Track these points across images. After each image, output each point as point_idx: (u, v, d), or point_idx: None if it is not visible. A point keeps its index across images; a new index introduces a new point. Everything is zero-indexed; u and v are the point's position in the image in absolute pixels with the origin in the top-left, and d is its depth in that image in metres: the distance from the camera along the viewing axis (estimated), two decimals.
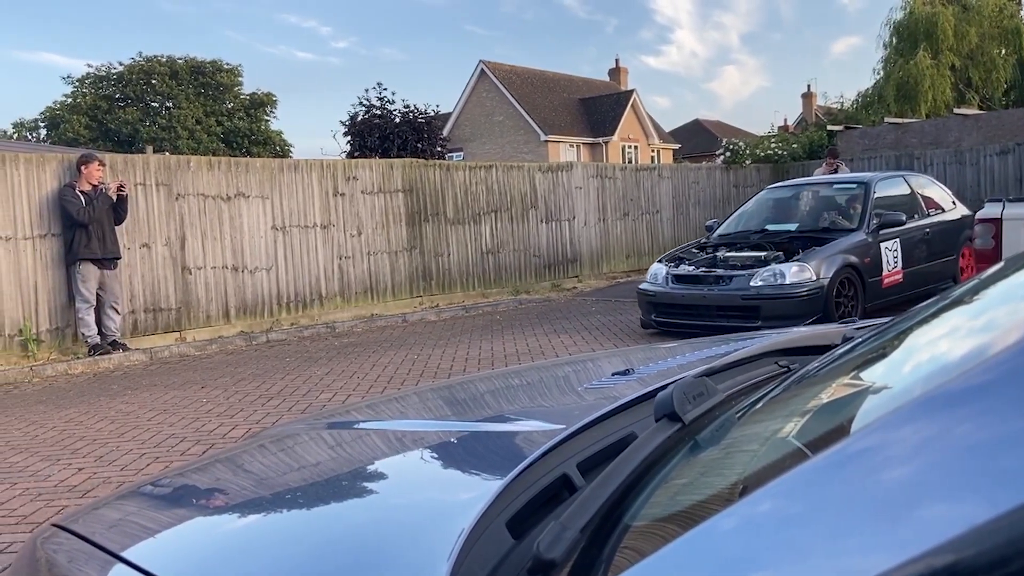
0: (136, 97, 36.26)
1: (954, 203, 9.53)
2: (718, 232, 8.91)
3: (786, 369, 1.51)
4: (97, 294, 8.15)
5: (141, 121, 35.50)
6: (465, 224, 12.25)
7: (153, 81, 36.29)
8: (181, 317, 9.22)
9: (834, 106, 28.85)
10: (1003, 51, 24.21)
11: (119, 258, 8.38)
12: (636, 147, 34.45)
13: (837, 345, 1.45)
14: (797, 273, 7.21)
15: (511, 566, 0.92)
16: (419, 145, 19.50)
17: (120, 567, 1.09)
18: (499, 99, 32.84)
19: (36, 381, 7.48)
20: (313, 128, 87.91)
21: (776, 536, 0.62)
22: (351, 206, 10.88)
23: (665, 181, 15.78)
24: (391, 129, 19.66)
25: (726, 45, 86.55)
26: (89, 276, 8.06)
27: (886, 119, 18.66)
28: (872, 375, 1.00)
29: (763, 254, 7.69)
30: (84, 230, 7.99)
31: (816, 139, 18.70)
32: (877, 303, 7.76)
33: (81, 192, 8.01)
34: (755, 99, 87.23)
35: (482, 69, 33.47)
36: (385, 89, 22.66)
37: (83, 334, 8.12)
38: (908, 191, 8.96)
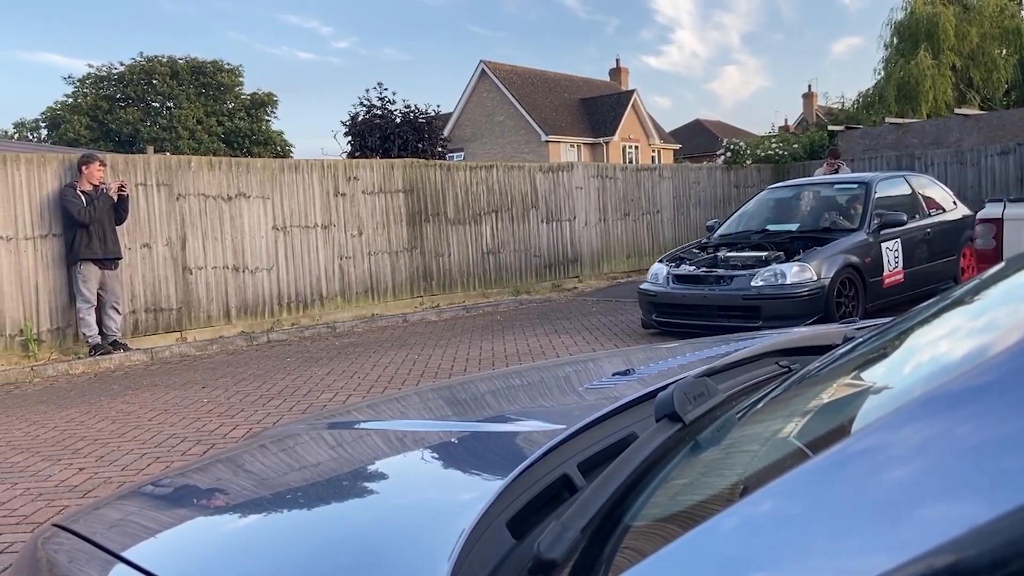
0: (137, 97, 36.29)
1: (955, 203, 9.52)
2: (719, 232, 8.90)
3: (787, 369, 1.51)
4: (98, 294, 8.15)
5: (142, 121, 35.52)
6: (466, 224, 12.25)
7: (154, 81, 36.31)
8: (182, 317, 9.23)
9: (835, 106, 28.85)
10: (1004, 51, 24.19)
11: (120, 258, 8.39)
12: (637, 147, 34.45)
13: (838, 345, 1.45)
14: (798, 273, 7.21)
15: (512, 566, 0.92)
16: (420, 145, 19.51)
17: (121, 567, 1.09)
18: (500, 99, 32.84)
19: (37, 381, 7.48)
20: (314, 128, 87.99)
21: (777, 536, 0.62)
22: (352, 206, 10.88)
23: (666, 181, 15.78)
24: (392, 129, 19.66)
25: (727, 45, 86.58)
26: (90, 276, 8.07)
27: (887, 119, 18.65)
28: (873, 375, 1.00)
29: (764, 254, 7.69)
30: (85, 230, 8.00)
31: (817, 139, 18.70)
32: (878, 303, 7.76)
33: (82, 192, 8.01)
34: (756, 99, 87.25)
35: (483, 69, 33.47)
36: (386, 89, 22.72)
37: (84, 334, 8.13)
38: (909, 191, 8.96)
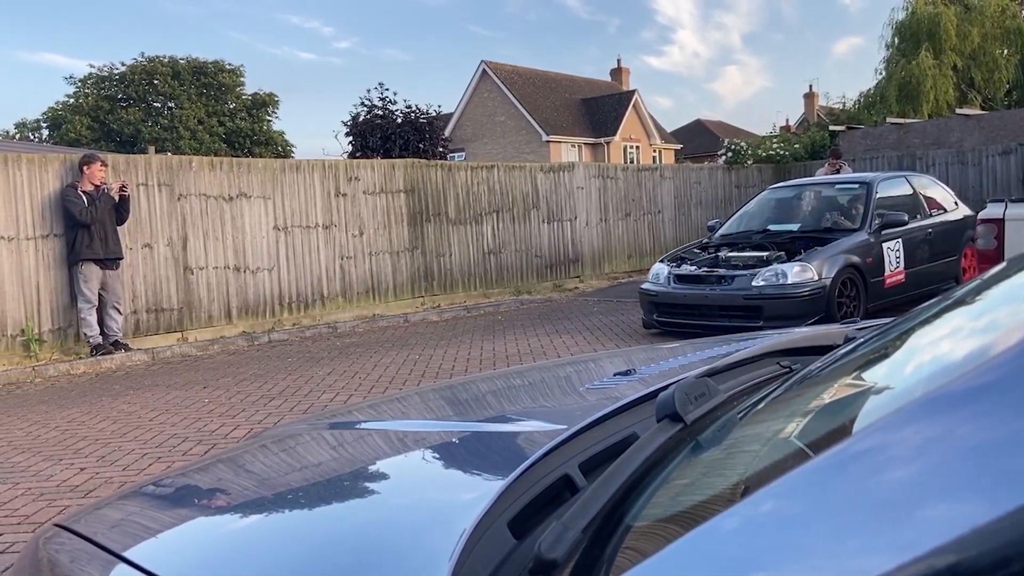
0: (138, 97, 36.31)
1: (956, 203, 9.52)
2: (720, 232, 8.90)
3: (788, 369, 1.51)
4: (99, 294, 8.15)
5: (143, 121, 35.55)
6: (467, 224, 12.25)
7: (155, 81, 36.34)
8: (183, 317, 9.23)
9: (836, 106, 28.84)
10: (1005, 51, 24.17)
11: (121, 258, 8.39)
12: (638, 147, 34.45)
13: (839, 345, 1.45)
14: (799, 273, 7.20)
15: (513, 566, 0.92)
16: (421, 145, 19.49)
17: (122, 567, 1.09)
18: (501, 99, 32.85)
19: (38, 381, 7.49)
20: (315, 128, 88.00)
21: (778, 536, 0.62)
22: (353, 206, 10.89)
23: (667, 181, 15.78)
24: (393, 129, 19.65)
25: (728, 45, 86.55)
26: (91, 276, 8.07)
27: (888, 119, 18.65)
28: (874, 376, 1.00)
29: (765, 254, 7.69)
30: (86, 230, 8.00)
31: (818, 139, 18.69)
32: (879, 303, 7.76)
33: (83, 192, 8.01)
34: (757, 99, 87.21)
35: (484, 69, 33.48)
36: (387, 89, 22.64)
37: (85, 334, 8.13)
38: (910, 191, 8.95)
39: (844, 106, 27.32)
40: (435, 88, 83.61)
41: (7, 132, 37.46)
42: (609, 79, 39.46)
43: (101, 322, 8.21)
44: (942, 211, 9.14)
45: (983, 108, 21.84)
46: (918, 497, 0.56)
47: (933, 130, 16.35)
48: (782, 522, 0.64)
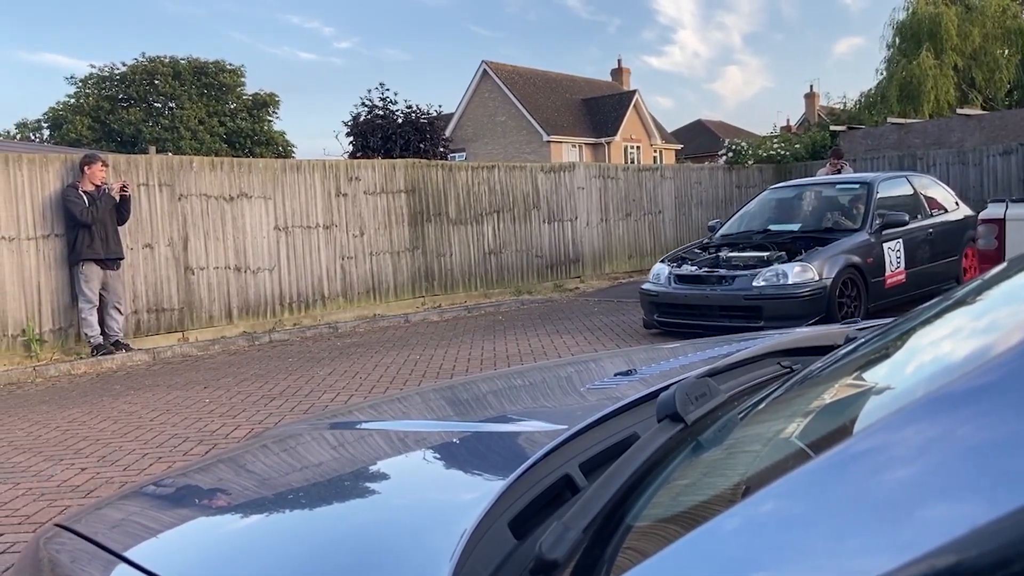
0: (139, 98, 36.32)
1: (957, 203, 9.52)
2: (721, 232, 8.90)
3: (789, 370, 1.51)
4: (100, 294, 8.16)
5: (144, 122, 35.56)
6: (467, 224, 12.25)
7: (156, 81, 36.35)
8: (184, 317, 9.23)
9: (837, 106, 28.80)
10: (1006, 51, 24.15)
11: (122, 258, 8.39)
12: (638, 147, 34.44)
13: (840, 346, 1.45)
14: (800, 273, 7.20)
15: (513, 566, 0.92)
16: (421, 145, 19.49)
17: (123, 567, 1.09)
18: (501, 99, 32.85)
19: (39, 381, 7.49)
20: (316, 128, 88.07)
21: (778, 537, 0.62)
22: (353, 206, 10.89)
23: (667, 181, 15.78)
24: (393, 129, 19.65)
25: (729, 45, 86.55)
26: (92, 276, 8.07)
27: (889, 119, 18.64)
28: (875, 376, 1.00)
29: (766, 254, 7.69)
30: (87, 230, 8.01)
31: (819, 139, 18.68)
32: (880, 303, 7.75)
33: (84, 192, 8.02)
34: (758, 99, 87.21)
35: (484, 69, 33.48)
36: (388, 89, 22.65)
37: (86, 334, 8.13)
38: (911, 191, 8.95)
39: (845, 106, 27.29)
40: (436, 88, 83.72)
41: (8, 132, 37.49)
42: (610, 79, 39.46)
43: (102, 322, 8.22)
44: (943, 211, 9.14)
45: (984, 108, 21.82)
46: (919, 497, 0.56)
47: (934, 130, 16.34)
48: (783, 522, 0.64)
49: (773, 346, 1.59)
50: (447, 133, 25.49)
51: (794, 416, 1.02)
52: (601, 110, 34.50)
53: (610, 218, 14.52)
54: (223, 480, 1.44)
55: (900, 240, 8.08)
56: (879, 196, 8.28)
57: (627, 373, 1.86)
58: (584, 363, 2.20)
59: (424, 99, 56.53)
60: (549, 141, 31.39)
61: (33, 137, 37.12)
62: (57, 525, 1.31)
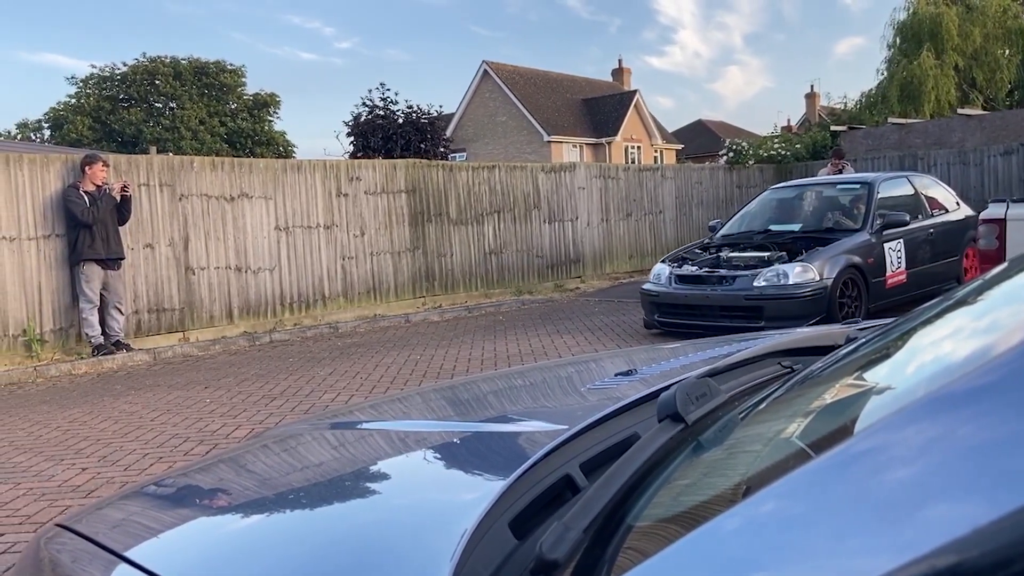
0: (140, 98, 36.34)
1: (958, 203, 9.51)
2: (721, 232, 8.90)
3: (789, 370, 1.51)
4: (101, 294, 8.16)
5: (145, 122, 35.58)
6: (468, 224, 12.25)
7: (157, 82, 36.37)
8: (184, 317, 9.24)
9: (837, 106, 28.79)
10: (1007, 51, 24.14)
11: (123, 258, 8.40)
12: (639, 147, 34.44)
13: (840, 346, 1.45)
14: (800, 273, 7.20)
15: (514, 566, 0.92)
16: (422, 146, 19.49)
17: (123, 567, 1.09)
18: (502, 99, 32.85)
19: (40, 381, 7.49)
20: (316, 129, 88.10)
21: (779, 537, 0.62)
22: (354, 206, 10.89)
23: (668, 181, 15.78)
24: (394, 130, 19.65)
25: (729, 45, 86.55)
26: (93, 276, 8.08)
27: (890, 119, 18.64)
28: (875, 376, 1.00)
29: (766, 254, 7.68)
30: (88, 231, 8.01)
31: (819, 139, 18.67)
32: (881, 304, 7.75)
33: (85, 193, 8.02)
34: (758, 99, 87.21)
35: (485, 69, 33.48)
36: (388, 89, 22.67)
37: (87, 334, 8.14)
38: (912, 191, 8.95)
39: (846, 106, 27.28)
40: (436, 88, 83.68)
41: (9, 132, 37.51)
42: (610, 79, 39.46)
43: (103, 322, 8.22)
44: (944, 211, 9.14)
45: (985, 108, 21.82)
46: (919, 497, 0.56)
47: (935, 130, 16.34)
48: (783, 522, 0.64)
49: (774, 346, 1.59)
50: (448, 133, 25.49)
51: (795, 416, 1.02)
52: (602, 110, 34.50)
53: (611, 218, 14.52)
54: (224, 480, 1.44)
55: (901, 240, 8.08)
56: (880, 196, 8.28)
57: (628, 373, 1.86)
58: (585, 363, 2.20)
59: (425, 99, 56.53)
60: (550, 141, 31.39)
61: (34, 137, 37.14)
62: (58, 525, 1.31)
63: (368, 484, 1.36)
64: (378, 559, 1.01)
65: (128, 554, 1.12)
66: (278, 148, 38.04)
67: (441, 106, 21.70)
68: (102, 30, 66.97)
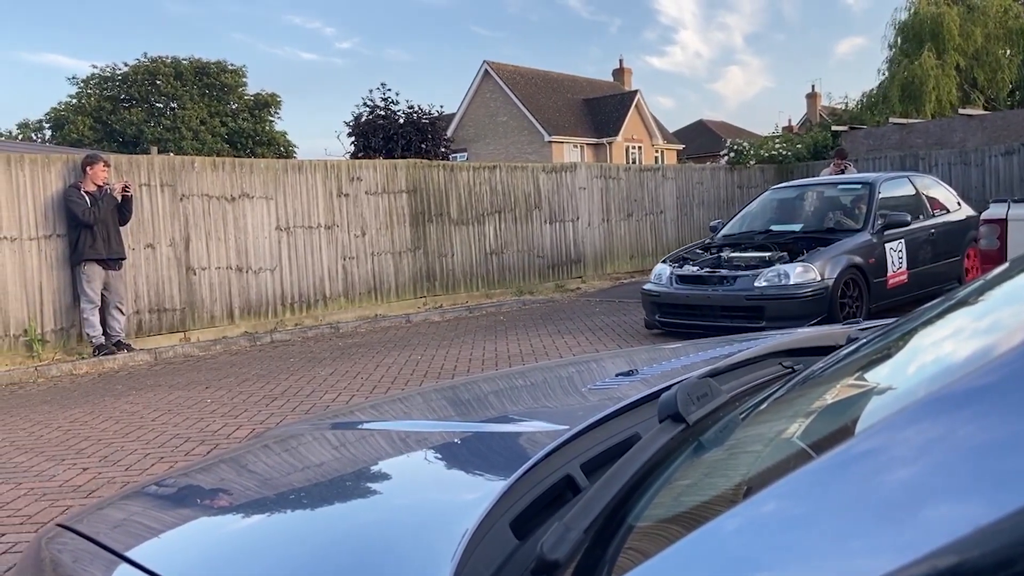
0: (141, 98, 36.36)
1: (959, 204, 9.51)
2: (722, 232, 8.90)
3: (790, 370, 1.51)
4: (102, 294, 8.17)
5: (145, 122, 35.59)
6: (469, 225, 12.25)
7: (158, 82, 36.39)
8: (185, 317, 9.24)
9: (838, 106, 28.76)
10: (1008, 51, 24.13)
11: (124, 259, 8.40)
12: (640, 148, 34.44)
13: (842, 346, 1.44)
14: (801, 274, 7.20)
15: (515, 567, 0.92)
16: (423, 146, 19.50)
17: (124, 567, 1.09)
18: (503, 100, 32.85)
19: (41, 381, 7.50)
20: (317, 129, 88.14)
21: (780, 537, 0.62)
22: (355, 207, 10.89)
23: (669, 182, 15.77)
24: (395, 130, 19.66)
25: (730, 46, 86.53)
26: (94, 276, 8.08)
27: (891, 119, 18.62)
28: (876, 376, 1.00)
29: (767, 255, 7.68)
30: (89, 231, 8.01)
31: (820, 139, 18.67)
32: (882, 304, 7.75)
33: (86, 193, 8.03)
34: (759, 99, 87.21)
35: (486, 70, 33.49)
36: (389, 90, 22.72)
37: (88, 334, 8.14)
38: (913, 192, 8.94)
39: (847, 106, 27.25)
40: (437, 88, 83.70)
41: (10, 132, 37.53)
42: (611, 79, 39.47)
43: (104, 322, 8.22)
44: (945, 211, 9.13)
45: (986, 108, 21.80)
46: (920, 498, 0.56)
47: (936, 130, 16.33)
48: (784, 523, 0.64)
49: (775, 346, 1.59)
50: (448, 133, 25.50)
51: (796, 416, 1.02)
52: (602, 110, 34.51)
53: (611, 218, 14.52)
54: (225, 480, 1.44)
55: (902, 240, 8.07)
56: (881, 196, 8.28)
57: (628, 373, 1.86)
58: (585, 363, 2.20)
59: (426, 99, 56.54)
60: (551, 141, 31.39)
61: (35, 137, 37.17)
62: (59, 525, 1.31)
63: (369, 484, 1.36)
64: (379, 559, 1.01)
65: (129, 554, 1.12)
66: (279, 148, 38.05)
67: (442, 106, 21.74)
68: (103, 30, 67.06)
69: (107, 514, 1.35)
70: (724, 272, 7.59)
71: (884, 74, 24.92)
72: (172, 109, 36.81)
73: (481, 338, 8.70)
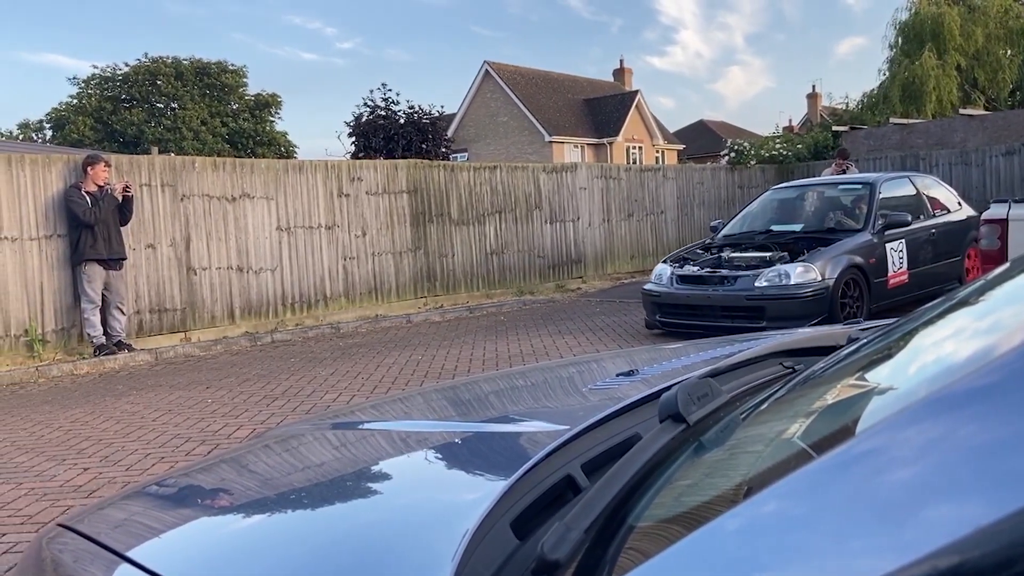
0: (141, 98, 36.37)
1: (960, 204, 9.51)
2: (723, 233, 8.90)
3: (791, 370, 1.51)
4: (102, 295, 8.17)
5: (146, 122, 35.61)
6: (469, 225, 12.25)
7: (158, 82, 36.40)
8: (186, 318, 9.24)
9: (839, 106, 28.74)
10: (1009, 51, 24.12)
11: (124, 259, 8.40)
12: (640, 148, 34.44)
13: (842, 346, 1.44)
14: (802, 274, 7.20)
15: (515, 567, 0.92)
16: (424, 146, 19.49)
17: (125, 567, 1.09)
18: (504, 100, 32.86)
19: (42, 381, 7.50)
20: (318, 129, 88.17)
21: (780, 537, 0.62)
22: (356, 207, 10.90)
23: (669, 182, 15.77)
24: (395, 130, 19.66)
25: (731, 46, 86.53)
26: (95, 277, 8.08)
27: (891, 119, 18.62)
28: (877, 376, 1.00)
29: (768, 255, 7.68)
30: (90, 231, 8.02)
31: (821, 140, 18.66)
32: (882, 304, 7.75)
33: (87, 193, 8.03)
34: (760, 100, 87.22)
35: (487, 70, 33.49)
36: (390, 90, 22.71)
37: (89, 334, 8.15)
38: (914, 192, 8.94)
39: (847, 106, 27.23)
40: (438, 89, 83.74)
41: (10, 133, 37.56)
42: (612, 79, 39.48)
43: (104, 322, 8.23)
44: (945, 212, 9.13)
45: (987, 108, 21.79)
46: (921, 498, 0.56)
47: (936, 130, 16.33)
48: (785, 523, 0.63)
49: (775, 346, 1.59)
50: (449, 133, 25.49)
51: (796, 417, 1.02)
52: (603, 110, 34.51)
53: (612, 218, 14.51)
54: (225, 480, 1.44)
55: (903, 240, 8.07)
56: (882, 196, 8.28)
57: (629, 373, 1.86)
58: (586, 363, 2.20)
59: (426, 99, 56.52)
60: (551, 141, 31.39)
61: (35, 138, 37.18)
62: (60, 525, 1.31)
63: (369, 484, 1.36)
64: (379, 559, 1.01)
65: (130, 554, 1.12)
66: (279, 148, 38.07)
67: (443, 106, 21.72)
68: (103, 30, 67.08)
69: (108, 514, 1.35)
70: (725, 272, 7.59)
71: (885, 74, 24.91)
72: (173, 109, 36.82)
73: (482, 338, 8.70)
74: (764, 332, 2.34)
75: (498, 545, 0.94)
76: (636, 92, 35.24)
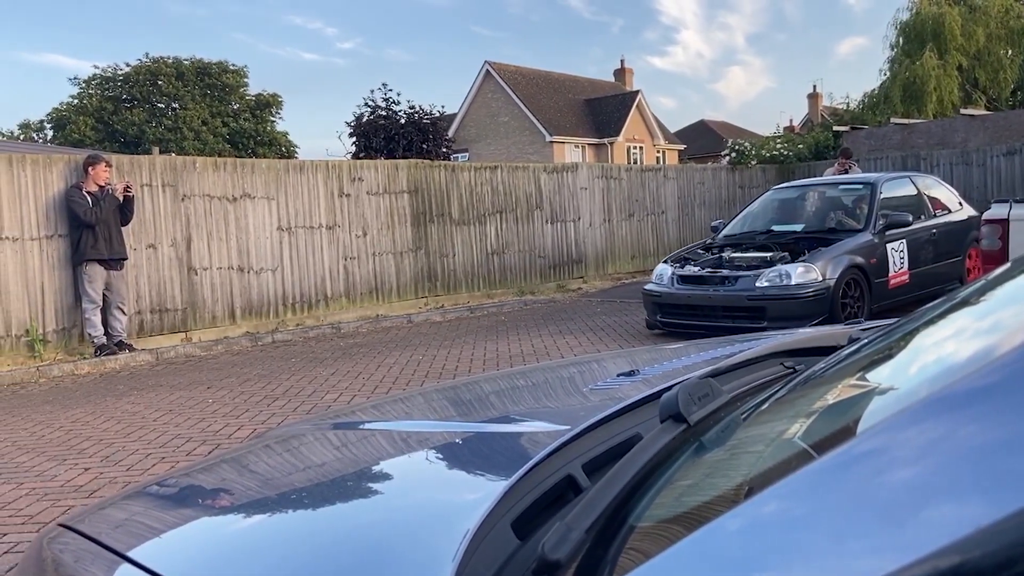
0: (142, 98, 36.38)
1: (961, 204, 9.50)
2: (724, 233, 8.89)
3: (792, 370, 1.51)
4: (103, 295, 8.17)
5: (147, 122, 35.61)
6: (470, 225, 12.25)
7: (159, 82, 36.41)
8: (187, 318, 9.25)
9: (840, 107, 28.75)
10: (1010, 51, 24.12)
11: (125, 259, 8.41)
12: (641, 148, 34.43)
13: (843, 346, 1.44)
14: (803, 274, 7.19)
15: (516, 567, 0.92)
16: (424, 146, 19.50)
17: (126, 567, 1.09)
18: (504, 100, 32.86)
19: (43, 381, 7.50)
20: (318, 129, 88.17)
21: (781, 537, 0.62)
22: (356, 207, 10.90)
23: (670, 182, 15.77)
24: (396, 130, 19.66)
25: (732, 46, 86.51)
26: (95, 277, 8.09)
27: (892, 119, 18.61)
28: (878, 376, 1.00)
29: (769, 255, 7.68)
30: (91, 231, 8.02)
31: (822, 140, 18.66)
32: (883, 304, 7.74)
33: (87, 193, 8.03)
34: (761, 100, 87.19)
35: (487, 70, 33.49)
36: (390, 90, 22.73)
37: (89, 335, 8.15)
38: (914, 192, 8.94)
39: (848, 106, 27.24)
40: (438, 89, 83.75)
41: (11, 133, 37.58)
42: (612, 80, 39.47)
43: (105, 322, 8.23)
44: (946, 212, 9.13)
45: (988, 108, 21.79)
46: (922, 498, 0.56)
47: (937, 130, 16.32)
48: (786, 523, 0.63)
49: (776, 347, 1.59)
50: (450, 134, 25.50)
51: (797, 417, 1.02)
52: (604, 110, 34.51)
53: (613, 219, 14.51)
54: (226, 480, 1.44)
55: (904, 241, 8.07)
56: (882, 196, 8.27)
57: (630, 374, 1.86)
58: (587, 363, 2.20)
59: (427, 99, 56.47)
60: (552, 142, 31.39)
61: (36, 138, 37.20)
62: (60, 525, 1.31)
63: (370, 484, 1.36)
64: (380, 559, 1.01)
65: (130, 554, 1.12)
66: (280, 148, 38.07)
67: (443, 106, 21.73)
68: (104, 31, 67.10)
69: (109, 514, 1.35)
70: (725, 272, 7.59)
71: (886, 74, 24.92)
72: (174, 109, 36.83)
73: (482, 338, 8.70)
74: (765, 332, 2.34)
75: (499, 545, 0.94)
76: (637, 92, 35.23)
